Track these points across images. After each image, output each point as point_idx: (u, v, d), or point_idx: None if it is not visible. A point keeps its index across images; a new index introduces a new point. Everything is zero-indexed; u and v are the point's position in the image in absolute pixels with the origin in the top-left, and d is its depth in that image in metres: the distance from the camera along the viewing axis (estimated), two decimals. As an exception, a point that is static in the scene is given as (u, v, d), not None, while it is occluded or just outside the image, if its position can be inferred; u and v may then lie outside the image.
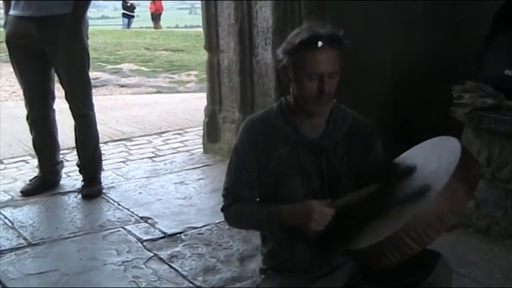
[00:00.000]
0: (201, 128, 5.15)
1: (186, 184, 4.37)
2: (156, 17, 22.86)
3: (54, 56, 3.98)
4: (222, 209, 2.25)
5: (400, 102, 3.95)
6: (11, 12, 4.02)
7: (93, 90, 4.46)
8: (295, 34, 2.07)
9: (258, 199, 2.23)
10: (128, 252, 3.30)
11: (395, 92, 3.98)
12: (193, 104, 7.03)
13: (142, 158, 5.19)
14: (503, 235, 3.16)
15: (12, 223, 3.72)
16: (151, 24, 22.96)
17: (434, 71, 3.81)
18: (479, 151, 3.18)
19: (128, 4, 22.43)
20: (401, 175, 2.06)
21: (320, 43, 1.99)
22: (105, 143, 5.49)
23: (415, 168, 2.04)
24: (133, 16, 22.61)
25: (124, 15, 22.45)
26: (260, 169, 2.16)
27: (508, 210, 3.14)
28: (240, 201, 2.19)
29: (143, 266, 3.13)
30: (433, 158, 2.07)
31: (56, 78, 4.16)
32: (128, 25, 22.07)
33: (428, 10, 3.94)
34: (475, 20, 3.64)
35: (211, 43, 4.84)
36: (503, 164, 3.12)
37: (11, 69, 4.28)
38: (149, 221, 3.69)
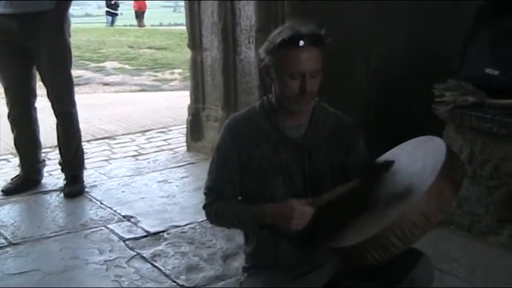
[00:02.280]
0: (185, 126, 5.14)
1: (170, 182, 4.36)
2: (139, 15, 22.75)
3: (36, 54, 3.95)
4: (204, 207, 2.25)
5: (382, 100, 3.97)
6: (-8, 9, 3.98)
7: (76, 89, 4.44)
8: (277, 33, 2.06)
9: (240, 198, 2.23)
10: (110, 251, 3.28)
11: (378, 90, 4.00)
12: (177, 102, 7.01)
13: (126, 157, 5.17)
14: (485, 232, 3.19)
15: (-6, 222, 3.69)
16: (135, 22, 22.83)
17: (417, 69, 3.83)
18: (461, 149, 3.20)
19: (112, 2, 22.30)
20: (379, 170, 2.06)
21: (302, 42, 1.99)
22: (88, 141, 5.47)
23: (392, 163, 2.05)
24: (117, 14, 22.48)
25: (108, 13, 22.32)
26: (242, 168, 2.16)
27: (490, 207, 3.16)
28: (221, 200, 2.19)
29: (126, 265, 3.12)
30: (418, 157, 2.08)
31: (38, 76, 4.13)
32: (112, 23, 21.95)
33: (411, 8, 3.96)
34: (457, 19, 3.66)
35: (195, 41, 4.83)
36: (485, 161, 3.15)
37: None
38: (132, 219, 3.68)
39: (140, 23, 22.35)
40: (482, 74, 3.26)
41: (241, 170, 2.16)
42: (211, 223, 2.40)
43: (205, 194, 2.24)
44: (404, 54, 3.95)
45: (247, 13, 4.21)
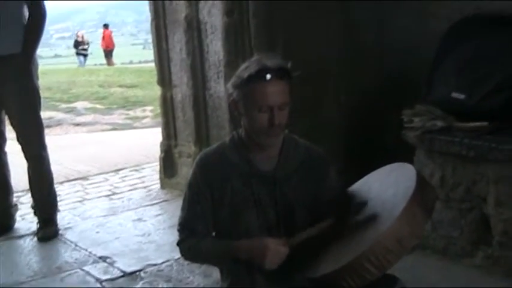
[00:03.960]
0: (158, 163, 5.13)
1: (144, 221, 4.33)
2: (107, 53, 22.76)
3: (5, 97, 3.93)
4: (178, 244, 2.24)
5: (353, 128, 4.00)
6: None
7: (47, 130, 4.43)
8: (244, 68, 2.08)
9: (214, 233, 2.22)
10: (87, 293, 3.25)
11: (348, 118, 4.04)
12: (149, 139, 6.99)
13: (100, 197, 5.13)
14: (460, 254, 3.21)
15: (-34, 270, 3.63)
16: (104, 61, 22.87)
17: (386, 95, 3.88)
18: (432, 173, 3.24)
19: (79, 39, 22.26)
20: (354, 211, 2.07)
21: (268, 76, 2.01)
22: (61, 183, 5.42)
23: (365, 205, 2.06)
24: (87, 54, 22.47)
25: (78, 54, 22.31)
26: (215, 203, 2.16)
27: (464, 229, 3.19)
28: (194, 236, 2.18)
29: (103, 307, 3.09)
30: (389, 184, 2.10)
31: (7, 119, 4.10)
32: (84, 63, 21.94)
33: (379, 36, 4.02)
34: (425, 44, 3.72)
35: (164, 78, 4.85)
36: (457, 184, 3.18)
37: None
38: (108, 260, 3.65)
39: (109, 62, 22.37)
40: (449, 99, 3.31)
41: (213, 205, 2.16)
42: (186, 259, 2.39)
43: (178, 230, 2.23)
44: (373, 82, 3.99)
45: (215, 48, 4.24)
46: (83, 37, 22.64)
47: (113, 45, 23.13)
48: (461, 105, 3.26)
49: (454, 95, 3.29)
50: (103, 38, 22.78)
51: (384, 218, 1.93)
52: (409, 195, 1.89)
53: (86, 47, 22.22)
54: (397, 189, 2.00)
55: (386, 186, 2.10)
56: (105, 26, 23.76)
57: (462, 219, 3.19)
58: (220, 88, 4.27)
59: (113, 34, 24.58)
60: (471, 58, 3.34)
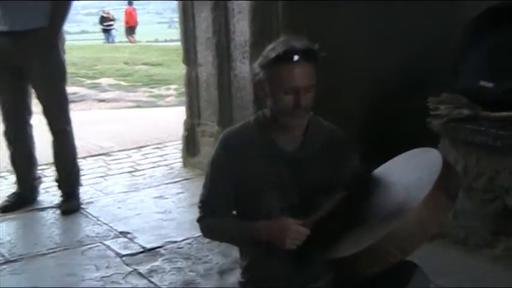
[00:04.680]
0: (180, 142, 5.14)
1: (166, 198, 4.36)
2: (127, 30, 22.65)
3: (31, 71, 3.96)
4: (198, 221, 2.26)
5: (376, 113, 3.97)
6: (-13, 27, 4.00)
7: (72, 105, 4.45)
8: (271, 48, 2.08)
9: (235, 211, 2.23)
10: (107, 267, 3.28)
11: (372, 103, 4.01)
12: (172, 118, 7.00)
13: (121, 173, 5.16)
14: (481, 245, 3.19)
15: (-10, 240, 3.69)
16: (130, 38, 22.84)
17: (410, 82, 3.84)
18: (455, 162, 3.21)
19: (105, 15, 22.30)
20: (376, 194, 2.06)
21: (296, 57, 2.01)
22: (84, 158, 5.45)
23: (389, 187, 2.05)
24: (112, 30, 22.48)
25: (104, 30, 22.35)
26: (236, 182, 2.16)
27: (485, 220, 3.17)
28: (215, 215, 2.19)
29: (122, 281, 3.12)
30: (413, 169, 2.09)
31: (34, 93, 4.14)
32: (111, 38, 21.95)
33: (405, 22, 3.98)
34: (450, 32, 3.68)
35: (189, 57, 4.84)
36: (480, 174, 3.15)
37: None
38: (128, 235, 3.68)
39: (129, 38, 22.28)
40: (476, 87, 3.28)
41: (235, 185, 2.17)
42: (205, 236, 2.41)
43: (199, 207, 2.26)
44: (397, 67, 3.96)
45: (242, 28, 4.23)
46: (109, 13, 22.68)
47: (135, 23, 23.01)
48: (489, 94, 3.22)
49: (482, 83, 3.25)
50: (125, 14, 22.78)
51: (408, 203, 1.92)
52: (434, 181, 1.88)
53: (111, 23, 22.25)
54: (422, 174, 1.99)
55: (410, 170, 2.09)
56: (129, 3, 23.73)
57: (484, 209, 3.16)
58: (245, 69, 4.26)
59: (138, 12, 24.54)
60: (499, 46, 3.30)
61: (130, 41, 21.68)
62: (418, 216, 1.85)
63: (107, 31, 22.23)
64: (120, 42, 22.67)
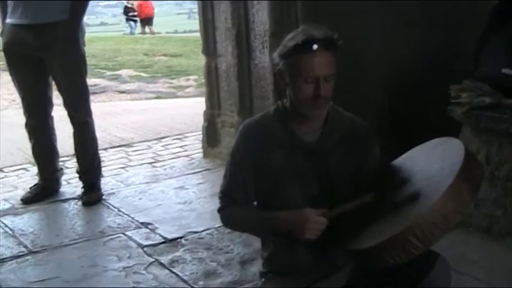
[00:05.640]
0: (201, 132, 5.15)
1: (186, 189, 4.37)
2: (142, 21, 22.65)
3: (52, 63, 3.98)
4: (218, 211, 2.26)
5: (397, 102, 3.95)
6: (8, 20, 4.02)
7: (92, 97, 4.47)
8: (291, 37, 2.07)
9: (255, 202, 2.23)
10: (128, 258, 3.30)
11: (392, 92, 3.99)
12: (192, 108, 7.02)
13: (142, 164, 5.19)
14: (504, 233, 3.16)
15: (13, 231, 3.72)
16: (147, 29, 22.85)
17: (431, 70, 3.81)
18: (477, 150, 3.18)
19: (129, 5, 22.35)
20: (398, 185, 2.05)
21: (315, 46, 1.99)
22: (105, 149, 5.50)
23: (411, 178, 2.04)
24: (136, 21, 22.51)
25: (128, 20, 22.38)
26: (256, 173, 2.16)
27: (508, 208, 3.14)
28: (235, 205, 2.20)
29: (144, 272, 3.13)
30: (435, 159, 2.07)
31: (54, 85, 4.17)
32: (134, 29, 21.98)
33: (425, 10, 3.94)
34: (471, 19, 3.64)
35: (209, 47, 4.84)
36: (502, 162, 3.12)
37: (10, 78, 4.29)
38: (149, 226, 3.70)
39: (142, 30, 22.23)
40: (498, 75, 3.24)
41: (255, 175, 2.16)
42: (225, 226, 2.43)
43: (219, 197, 2.26)
44: (418, 55, 3.93)
45: (261, 18, 4.22)
46: (132, 4, 22.74)
47: (151, 14, 22.97)
48: (511, 82, 3.18)
49: (504, 70, 3.21)
50: (136, 7, 22.77)
51: (430, 193, 1.90)
52: (456, 171, 1.87)
53: (135, 13, 22.31)
54: (444, 164, 1.97)
55: (432, 160, 2.07)
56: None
57: (506, 198, 3.13)
58: (265, 58, 4.25)
59: (156, 3, 24.54)
60: (522, 34, 3.26)
61: (151, 32, 21.69)
62: (440, 207, 1.84)
63: (131, 21, 22.25)
64: (140, 33, 22.73)
